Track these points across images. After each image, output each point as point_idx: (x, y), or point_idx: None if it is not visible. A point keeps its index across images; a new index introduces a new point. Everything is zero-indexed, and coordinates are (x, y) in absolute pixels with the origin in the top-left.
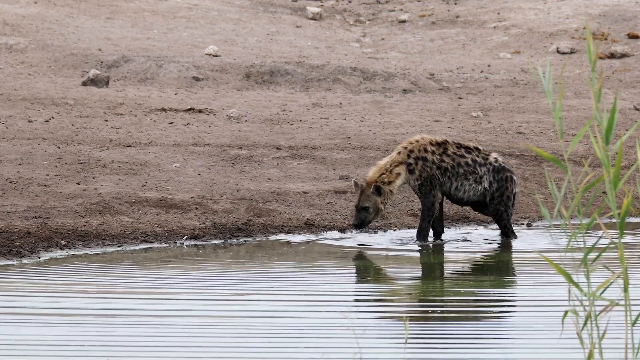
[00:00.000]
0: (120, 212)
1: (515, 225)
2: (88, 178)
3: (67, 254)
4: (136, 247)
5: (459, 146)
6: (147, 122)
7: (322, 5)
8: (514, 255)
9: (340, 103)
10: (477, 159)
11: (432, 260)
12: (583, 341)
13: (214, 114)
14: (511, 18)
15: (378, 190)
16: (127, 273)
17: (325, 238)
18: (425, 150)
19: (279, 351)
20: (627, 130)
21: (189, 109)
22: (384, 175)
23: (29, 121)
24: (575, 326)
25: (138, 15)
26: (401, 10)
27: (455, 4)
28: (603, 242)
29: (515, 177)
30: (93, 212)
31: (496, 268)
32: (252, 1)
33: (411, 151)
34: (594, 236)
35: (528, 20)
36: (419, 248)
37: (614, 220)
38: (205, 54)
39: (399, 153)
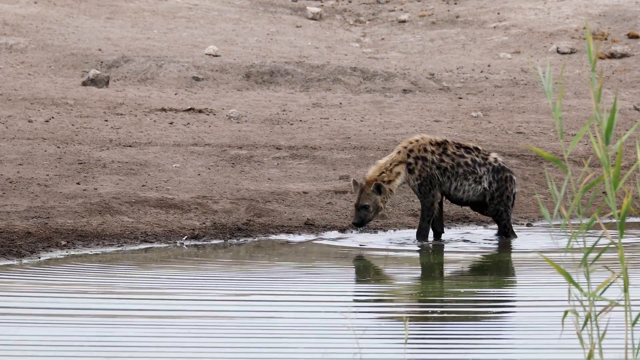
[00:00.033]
0: (120, 212)
1: (515, 225)
2: (88, 178)
3: (67, 254)
4: (136, 247)
5: (459, 146)
6: (147, 122)
7: (322, 5)
8: (513, 255)
9: (340, 103)
10: (477, 159)
11: (432, 260)
12: (583, 341)
13: (214, 114)
14: (511, 18)
15: (378, 189)
16: (127, 273)
17: (325, 238)
18: (425, 150)
19: (279, 351)
20: (627, 130)
21: (189, 109)
22: (384, 174)
23: (29, 121)
24: (575, 326)
25: (138, 15)
26: (401, 10)
27: (455, 4)
28: (603, 242)
29: (515, 177)
30: (93, 212)
31: (496, 268)
32: (252, 1)
33: (411, 150)
34: (594, 236)
35: (528, 20)
36: (419, 248)
37: (614, 220)
38: (205, 54)
39: (399, 152)
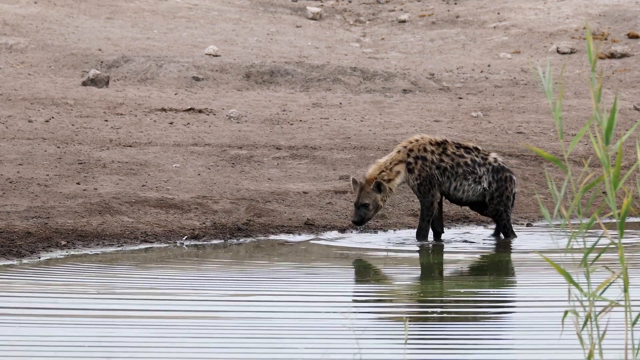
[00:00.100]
0: (120, 212)
1: (515, 225)
2: (88, 178)
3: (67, 254)
4: (136, 247)
5: (459, 146)
6: (147, 122)
7: (322, 5)
8: (513, 255)
9: (340, 103)
10: (477, 159)
11: (431, 261)
12: (583, 341)
13: (214, 114)
14: (511, 18)
15: (379, 187)
16: (127, 273)
17: (325, 238)
18: (425, 150)
19: (279, 351)
20: (627, 130)
21: (189, 109)
22: (383, 173)
23: (29, 121)
24: (575, 326)
25: (138, 15)
26: (401, 10)
27: (455, 4)
28: (603, 242)
29: (514, 177)
30: (93, 212)
31: (496, 268)
32: (252, 1)
33: (411, 150)
34: (594, 236)
35: (528, 20)
36: (419, 248)
37: (614, 220)
38: (205, 54)
39: (399, 152)
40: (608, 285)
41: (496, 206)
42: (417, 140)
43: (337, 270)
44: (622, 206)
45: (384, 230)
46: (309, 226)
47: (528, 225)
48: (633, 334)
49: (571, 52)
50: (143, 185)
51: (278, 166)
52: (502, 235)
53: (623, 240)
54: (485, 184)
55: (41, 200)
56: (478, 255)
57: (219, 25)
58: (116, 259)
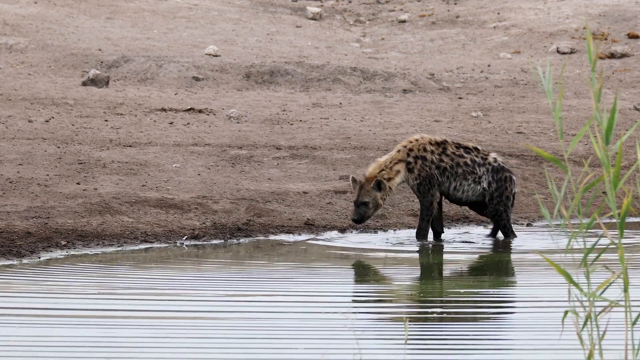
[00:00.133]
0: (120, 212)
1: (515, 225)
2: (88, 178)
3: (67, 254)
4: (136, 247)
5: (458, 146)
6: (147, 122)
7: (322, 5)
8: (513, 255)
9: (340, 103)
10: (476, 159)
11: (431, 261)
12: (583, 341)
13: (214, 114)
14: (511, 18)
15: (379, 185)
16: (127, 273)
17: (325, 238)
18: (425, 150)
19: (279, 351)
20: (627, 130)
21: (189, 109)
22: (383, 172)
23: (29, 121)
24: (575, 326)
25: (138, 15)
26: (401, 10)
27: (455, 4)
28: (603, 242)
29: (514, 177)
30: (93, 212)
31: (496, 268)
32: (252, 1)
33: (410, 150)
34: (594, 236)
35: (528, 20)
36: (419, 248)
37: (614, 220)
38: (205, 54)
39: (399, 151)
40: (608, 285)
41: (496, 206)
42: (417, 140)
43: (337, 270)
44: (622, 206)
45: (384, 230)
46: (309, 226)
47: (528, 225)
48: (633, 334)
49: (571, 52)
50: (143, 185)
51: (278, 166)
52: (500, 235)
53: (623, 241)
54: (484, 184)
55: (41, 200)
56: (478, 255)
57: (219, 25)
58: (116, 259)
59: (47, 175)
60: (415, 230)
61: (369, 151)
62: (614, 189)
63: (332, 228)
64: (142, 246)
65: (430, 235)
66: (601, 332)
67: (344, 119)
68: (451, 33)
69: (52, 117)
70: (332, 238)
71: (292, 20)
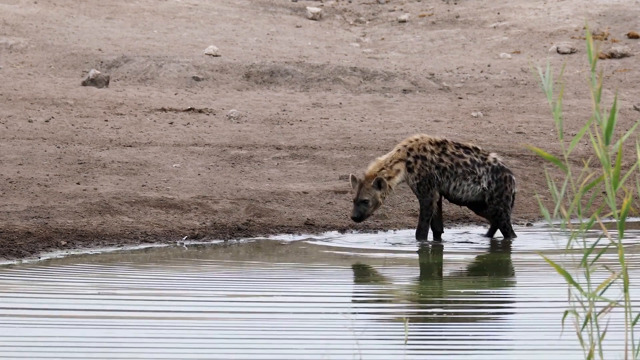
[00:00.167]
0: (120, 212)
1: (515, 225)
2: (88, 178)
3: (67, 254)
4: (136, 247)
5: (458, 146)
6: (147, 122)
7: (322, 5)
8: (513, 255)
9: (340, 103)
10: (476, 159)
11: (431, 260)
12: (583, 341)
13: (214, 114)
14: (511, 18)
15: (379, 184)
16: (127, 273)
17: (325, 238)
18: (425, 150)
19: (279, 351)
20: (627, 130)
21: (189, 109)
22: (383, 170)
23: (29, 121)
24: (575, 326)
25: (138, 15)
26: (401, 10)
27: (455, 4)
28: (603, 242)
29: (514, 177)
30: (93, 212)
31: (496, 268)
32: (252, 1)
33: (410, 149)
34: (594, 236)
35: (528, 20)
36: (419, 248)
37: (614, 220)
38: (205, 54)
39: (399, 150)
40: (608, 285)
41: (496, 206)
42: (416, 140)
43: (337, 270)
44: (622, 206)
45: (384, 230)
46: (309, 226)
47: (528, 225)
48: (633, 334)
49: (571, 52)
50: (143, 185)
51: (278, 166)
52: (498, 235)
53: (623, 241)
54: (484, 184)
55: (41, 200)
56: (478, 255)
57: (219, 25)
58: (116, 259)
59: (47, 175)
60: (415, 230)
61: (369, 151)
62: (614, 189)
63: (332, 228)
64: (142, 246)
65: (430, 235)
66: (601, 332)
67: (344, 119)
68: (451, 33)
69: (52, 117)
70: (332, 238)
71: (292, 20)
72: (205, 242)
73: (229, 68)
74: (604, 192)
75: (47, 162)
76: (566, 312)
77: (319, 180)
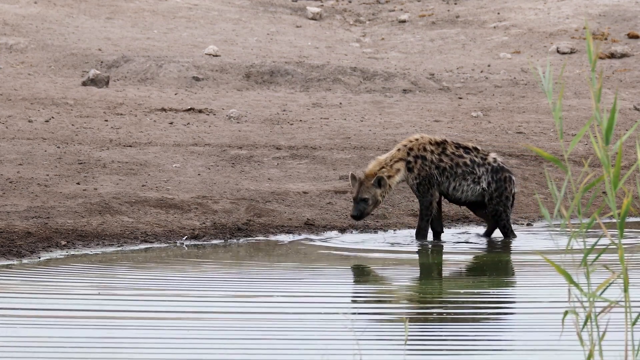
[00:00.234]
0: (120, 212)
1: (515, 225)
2: (88, 178)
3: (67, 254)
4: (136, 247)
5: (458, 146)
6: (147, 122)
7: (322, 5)
8: (513, 255)
9: (340, 103)
10: (476, 159)
11: (431, 261)
12: (583, 341)
13: (214, 114)
14: (511, 18)
15: (379, 182)
16: (127, 273)
17: (325, 238)
18: (425, 149)
19: (279, 351)
20: (627, 130)
21: (189, 109)
22: (384, 169)
23: (29, 121)
24: (575, 326)
25: (138, 15)
26: (401, 10)
27: (455, 4)
28: (603, 242)
29: (514, 177)
30: (93, 212)
31: (496, 268)
32: (252, 1)
33: (410, 149)
34: (594, 236)
35: (528, 20)
36: (419, 248)
37: (614, 220)
38: (205, 54)
39: (399, 150)
40: (608, 285)
41: (495, 206)
42: (417, 140)
43: (337, 270)
44: (622, 206)
45: (384, 230)
46: (309, 226)
47: (528, 225)
48: (633, 334)
49: (571, 52)
50: (143, 185)
51: (278, 166)
52: (497, 235)
53: (623, 241)
54: (484, 184)
55: (41, 200)
56: (478, 256)
57: (219, 25)
58: (116, 259)
59: (47, 175)
60: (415, 230)
61: (369, 151)
62: (614, 189)
63: (332, 228)
64: (142, 246)
65: (430, 235)
66: (601, 332)
67: (344, 119)
68: (451, 33)
69: (52, 117)
70: (332, 238)
71: (292, 20)
72: (205, 242)
73: (229, 68)
74: (604, 192)
75: (47, 162)
76: (566, 312)
77: (319, 180)
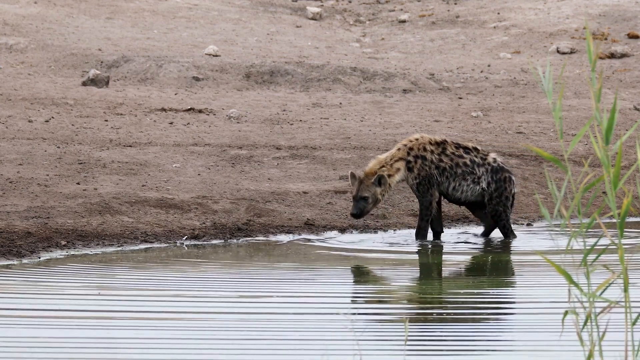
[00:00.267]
0: (120, 212)
1: (515, 225)
2: (88, 178)
3: (67, 254)
4: (136, 247)
5: (458, 146)
6: (147, 122)
7: (322, 5)
8: (513, 255)
9: (340, 103)
10: (476, 159)
11: (431, 261)
12: (583, 341)
13: (214, 114)
14: (511, 18)
15: (379, 181)
16: (127, 273)
17: (325, 238)
18: (425, 149)
19: (279, 351)
20: (627, 130)
21: (189, 109)
22: (384, 168)
23: (29, 121)
24: (575, 326)
25: (138, 15)
26: (401, 10)
27: (455, 4)
28: (603, 242)
29: (514, 178)
30: (93, 212)
31: (495, 268)
32: (252, 1)
33: (410, 149)
34: (594, 236)
35: (528, 20)
36: (419, 248)
37: (614, 220)
38: (205, 54)
39: (399, 149)
40: (608, 285)
41: (495, 206)
42: (417, 140)
43: (337, 270)
44: (622, 206)
45: (384, 230)
46: (309, 226)
47: (528, 225)
48: (633, 334)
49: (571, 52)
50: (143, 185)
51: (278, 166)
52: (497, 235)
53: (623, 241)
54: (484, 184)
55: (41, 200)
56: (478, 256)
57: (219, 25)
58: (116, 259)
59: (47, 175)
60: (415, 230)
61: (369, 151)
62: (614, 189)
63: (332, 228)
64: (142, 246)
65: (430, 235)
66: (601, 332)
67: (344, 119)
68: (451, 33)
69: (52, 117)
70: (332, 238)
71: (292, 20)
72: (205, 242)
73: (229, 68)
74: (604, 192)
75: (47, 162)
76: (566, 312)
77: (319, 180)
